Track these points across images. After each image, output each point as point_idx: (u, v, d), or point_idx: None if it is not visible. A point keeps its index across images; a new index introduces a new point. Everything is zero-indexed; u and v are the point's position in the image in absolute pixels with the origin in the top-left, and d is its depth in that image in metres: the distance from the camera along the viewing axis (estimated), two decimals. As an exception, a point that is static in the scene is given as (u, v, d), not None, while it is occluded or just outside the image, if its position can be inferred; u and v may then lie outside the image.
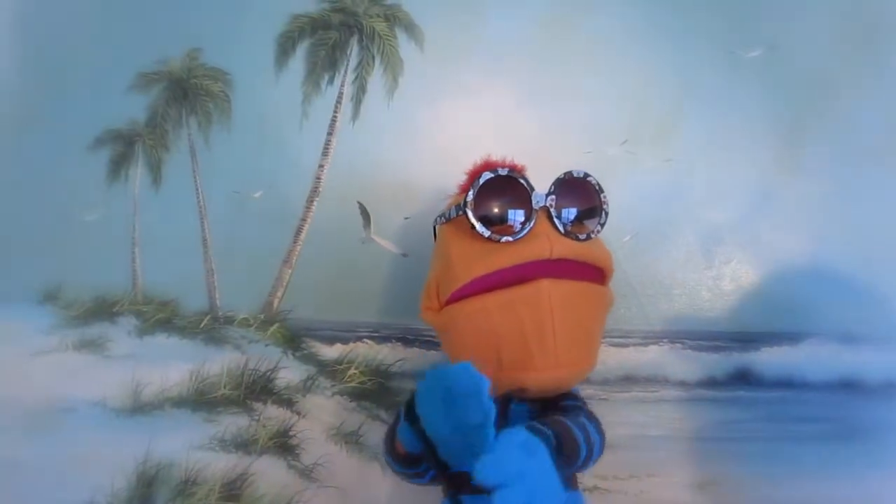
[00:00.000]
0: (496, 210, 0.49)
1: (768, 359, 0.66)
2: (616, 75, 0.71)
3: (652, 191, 0.69)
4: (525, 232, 0.47)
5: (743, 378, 0.66)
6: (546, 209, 0.48)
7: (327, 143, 0.71)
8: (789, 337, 0.67)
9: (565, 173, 0.49)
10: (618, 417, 0.66)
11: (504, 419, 0.50)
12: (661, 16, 0.71)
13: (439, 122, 0.71)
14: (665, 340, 0.68)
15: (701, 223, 0.69)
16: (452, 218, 0.50)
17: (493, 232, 0.47)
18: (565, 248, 0.47)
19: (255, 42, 0.72)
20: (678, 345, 0.67)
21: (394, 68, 0.72)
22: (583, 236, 0.48)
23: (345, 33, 0.73)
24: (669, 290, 0.69)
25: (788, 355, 0.66)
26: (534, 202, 0.48)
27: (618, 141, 0.70)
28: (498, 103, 0.71)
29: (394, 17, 0.72)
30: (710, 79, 0.71)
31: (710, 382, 0.67)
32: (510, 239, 0.47)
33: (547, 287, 0.46)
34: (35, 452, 0.67)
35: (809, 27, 0.71)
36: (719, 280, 0.68)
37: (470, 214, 0.48)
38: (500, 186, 0.48)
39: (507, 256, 0.47)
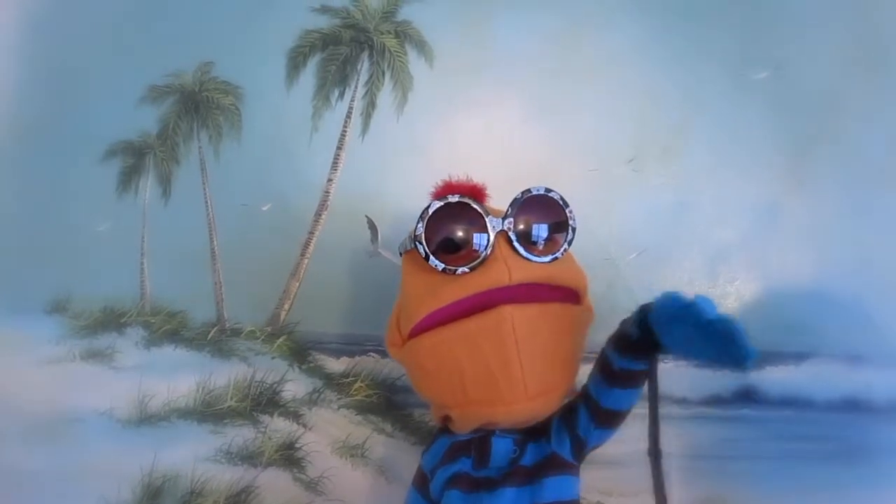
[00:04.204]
0: (451, 239, 0.46)
1: (773, 377, 0.67)
2: (623, 93, 0.72)
3: (658, 209, 0.70)
4: (481, 260, 0.45)
5: (747, 396, 0.67)
6: (504, 233, 0.46)
7: (336, 158, 0.72)
8: (794, 356, 0.67)
9: (523, 192, 0.47)
10: (621, 434, 0.65)
11: (487, 454, 0.48)
12: (668, 35, 0.72)
13: (448, 138, 0.72)
14: (669, 358, 0.68)
15: (706, 242, 0.69)
16: (409, 249, 0.48)
17: (448, 263, 0.45)
18: (526, 272, 0.45)
19: (267, 56, 0.73)
20: (682, 362, 0.68)
21: (403, 84, 0.72)
22: (547, 258, 0.46)
23: (355, 49, 0.74)
24: (674, 307, 0.69)
25: (793, 374, 0.67)
26: (490, 227, 0.45)
27: (624, 159, 0.71)
28: (506, 119, 0.72)
29: (404, 34, 0.73)
30: (716, 98, 0.71)
31: (715, 400, 0.67)
32: (466, 270, 0.45)
33: (509, 314, 0.44)
34: (42, 462, 0.68)
35: (816, 48, 0.72)
36: (724, 298, 0.69)
37: (420, 249, 0.46)
38: (454, 213, 0.46)
39: (463, 287, 0.45)
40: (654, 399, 0.43)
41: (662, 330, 0.41)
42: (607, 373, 0.45)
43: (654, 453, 0.44)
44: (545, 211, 0.47)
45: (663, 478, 0.44)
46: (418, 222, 0.46)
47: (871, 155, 0.70)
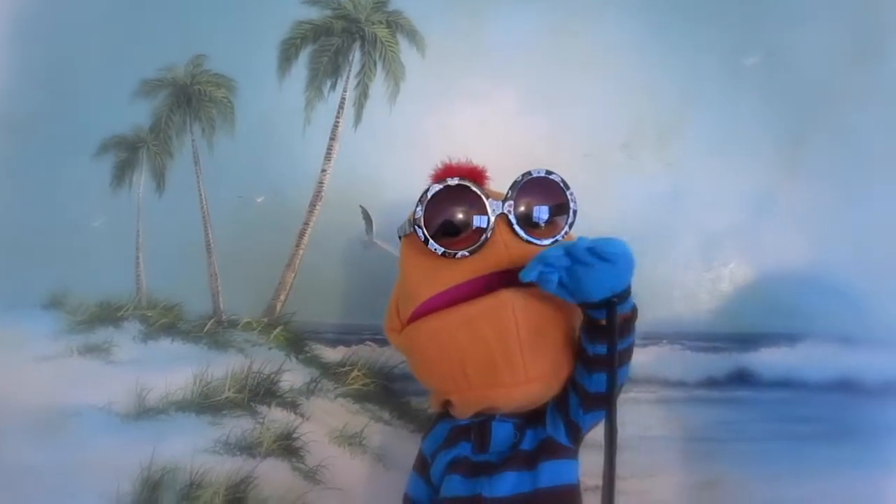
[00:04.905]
0: (450, 222, 0.46)
1: (767, 359, 0.67)
2: (618, 81, 0.72)
3: (652, 194, 0.70)
4: (481, 243, 0.45)
5: (742, 378, 0.67)
6: (504, 216, 0.46)
7: (330, 148, 0.72)
8: (788, 338, 0.67)
9: (523, 174, 0.46)
10: (620, 418, 0.66)
11: (487, 438, 0.48)
12: (661, 24, 0.72)
13: (440, 127, 0.72)
14: (664, 341, 0.68)
15: (700, 226, 0.70)
16: (408, 233, 0.48)
17: (447, 247, 0.45)
18: (525, 255, 0.44)
19: (259, 48, 0.73)
20: (677, 346, 0.68)
21: (395, 74, 0.72)
22: (547, 241, 0.46)
23: (347, 40, 0.74)
24: (669, 291, 0.69)
25: (787, 356, 0.67)
26: (490, 210, 0.45)
27: (618, 146, 0.71)
28: (499, 108, 0.72)
29: (395, 24, 0.73)
30: (710, 85, 0.72)
31: (710, 383, 0.67)
32: (466, 253, 0.45)
33: (509, 297, 0.44)
34: (41, 457, 0.68)
35: (810, 36, 0.72)
36: (718, 282, 0.69)
37: (419, 232, 0.45)
38: (454, 196, 0.46)
39: (463, 271, 0.45)
40: (611, 387, 0.43)
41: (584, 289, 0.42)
42: (585, 360, 0.46)
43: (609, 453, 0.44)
44: (546, 193, 0.47)
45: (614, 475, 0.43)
46: (417, 205, 0.46)
47: (863, 142, 0.71)
